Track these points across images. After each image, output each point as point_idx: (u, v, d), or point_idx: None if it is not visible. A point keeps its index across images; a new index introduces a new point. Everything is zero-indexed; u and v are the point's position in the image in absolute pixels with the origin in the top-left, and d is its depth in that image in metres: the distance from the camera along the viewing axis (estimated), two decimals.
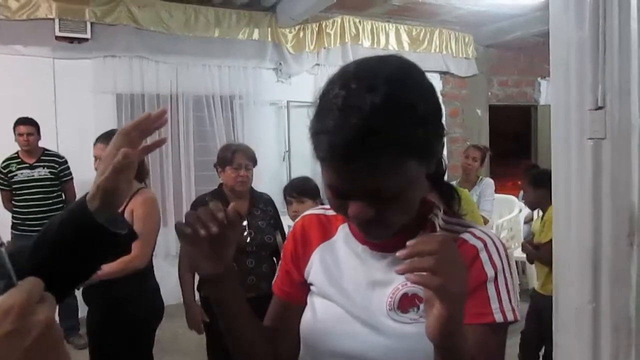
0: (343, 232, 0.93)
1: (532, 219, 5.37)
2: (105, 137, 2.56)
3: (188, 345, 2.78)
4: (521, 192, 6.06)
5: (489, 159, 6.65)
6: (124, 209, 2.46)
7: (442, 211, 0.87)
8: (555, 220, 2.34)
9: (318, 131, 0.74)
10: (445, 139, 0.80)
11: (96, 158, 2.54)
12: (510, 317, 0.78)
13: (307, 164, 6.02)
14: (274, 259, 2.78)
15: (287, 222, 3.49)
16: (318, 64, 6.02)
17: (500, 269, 0.79)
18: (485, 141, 6.76)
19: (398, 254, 0.65)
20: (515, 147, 7.85)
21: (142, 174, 2.62)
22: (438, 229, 0.84)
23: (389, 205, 0.74)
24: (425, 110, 0.73)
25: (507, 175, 7.45)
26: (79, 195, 2.99)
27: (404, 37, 6.39)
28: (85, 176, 2.70)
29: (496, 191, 4.57)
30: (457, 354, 0.67)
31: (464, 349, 0.67)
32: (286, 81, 5.87)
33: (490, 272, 0.79)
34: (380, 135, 0.68)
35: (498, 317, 0.78)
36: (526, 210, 5.28)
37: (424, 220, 0.86)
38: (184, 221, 0.80)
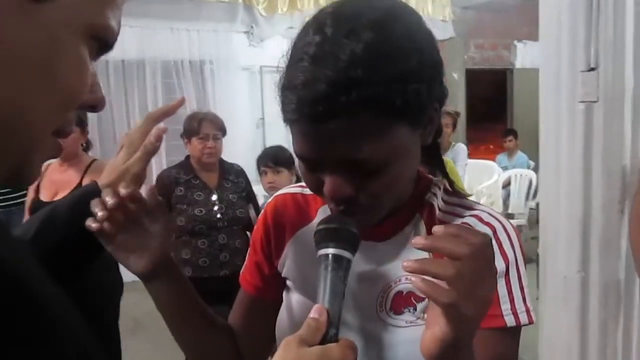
0: (323, 215, 0.77)
1: (509, 184, 5.36)
2: None
3: (163, 321, 2.68)
4: (498, 157, 6.04)
5: (465, 123, 6.59)
6: (80, 182, 2.33)
7: (442, 189, 0.74)
8: (543, 187, 2.26)
9: (285, 86, 0.60)
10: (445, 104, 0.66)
11: None
12: (524, 319, 0.65)
13: (283, 132, 5.84)
14: (248, 233, 2.66)
15: (260, 193, 3.37)
16: (292, 27, 5.79)
17: (512, 260, 0.66)
18: (461, 106, 6.68)
19: (414, 241, 0.52)
20: (490, 111, 7.80)
21: (88, 145, 2.55)
22: (437, 211, 0.71)
23: (373, 180, 0.60)
24: (420, 62, 0.59)
25: (482, 139, 7.43)
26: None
27: None
28: None
29: (471, 156, 4.51)
30: None
31: None
32: (258, 45, 5.66)
33: (500, 266, 0.65)
34: (360, 90, 0.55)
35: (509, 320, 0.65)
36: (504, 175, 5.26)
37: (421, 200, 0.72)
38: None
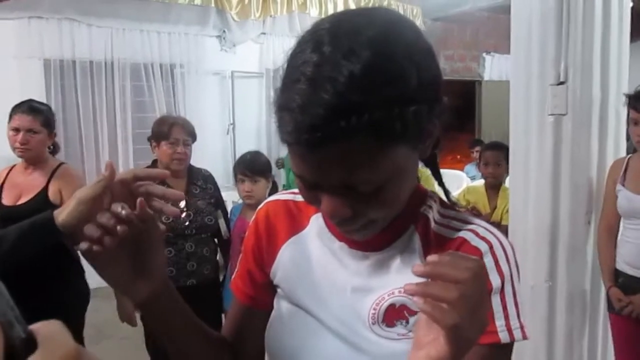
0: (316, 223, 0.77)
1: None
2: (25, 107, 2.31)
3: (126, 328, 2.60)
4: (466, 167, 6.14)
5: None
6: (46, 186, 2.26)
7: (437, 202, 0.74)
8: (513, 198, 2.30)
9: (281, 107, 0.58)
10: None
11: (18, 130, 2.28)
12: (518, 336, 0.65)
13: (252, 138, 5.85)
14: (216, 240, 2.60)
15: (231, 198, 3.31)
16: (264, 33, 5.79)
17: (507, 277, 0.66)
18: None
19: (414, 269, 0.52)
20: (458, 122, 7.93)
21: (55, 149, 2.48)
22: (433, 224, 0.71)
23: (372, 200, 0.60)
24: (420, 81, 0.57)
25: (449, 149, 7.54)
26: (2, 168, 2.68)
27: (352, 7, 6.23)
28: (9, 151, 2.42)
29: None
30: None
31: None
32: (230, 50, 5.61)
33: (495, 282, 0.65)
34: (360, 115, 0.54)
35: (504, 337, 0.64)
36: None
37: (415, 212, 0.72)
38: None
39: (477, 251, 0.67)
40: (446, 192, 0.76)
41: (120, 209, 0.63)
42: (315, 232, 0.77)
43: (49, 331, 0.41)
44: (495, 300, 0.65)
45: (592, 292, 2.19)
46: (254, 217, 0.83)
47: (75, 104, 4.85)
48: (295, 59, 0.59)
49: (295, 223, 0.79)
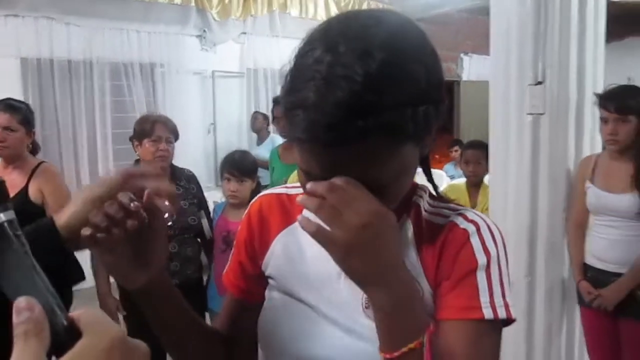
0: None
1: None
2: (3, 105, 2.28)
3: None
4: (445, 166, 6.21)
5: None
6: (26, 186, 2.24)
7: (427, 192, 0.77)
8: (493, 195, 2.35)
9: (295, 105, 0.58)
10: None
11: None
12: (502, 314, 0.66)
13: (233, 137, 5.84)
14: (199, 240, 2.60)
15: (212, 198, 3.30)
16: (245, 33, 5.78)
17: (494, 256, 0.68)
18: None
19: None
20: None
21: (35, 148, 2.46)
22: (423, 212, 0.74)
23: (378, 196, 0.62)
24: (428, 82, 0.59)
25: None
26: None
27: (333, 8, 6.26)
28: None
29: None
30: (392, 319, 0.60)
31: (404, 318, 0.61)
32: (211, 50, 5.59)
33: (481, 260, 0.67)
34: (374, 113, 0.55)
35: (487, 313, 0.66)
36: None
37: (407, 202, 0.74)
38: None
39: (465, 232, 0.69)
40: (435, 188, 0.79)
41: (128, 200, 0.64)
42: None
43: (92, 318, 0.42)
44: (481, 276, 0.67)
45: (570, 287, 2.25)
46: (247, 211, 0.85)
47: (53, 103, 4.78)
48: (305, 58, 0.59)
49: (288, 216, 0.81)
